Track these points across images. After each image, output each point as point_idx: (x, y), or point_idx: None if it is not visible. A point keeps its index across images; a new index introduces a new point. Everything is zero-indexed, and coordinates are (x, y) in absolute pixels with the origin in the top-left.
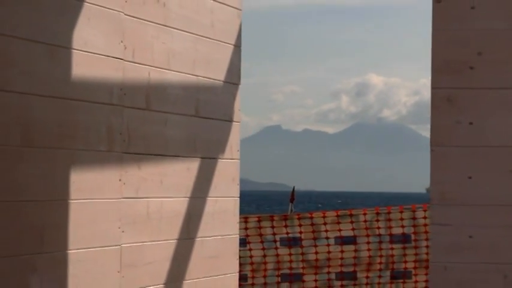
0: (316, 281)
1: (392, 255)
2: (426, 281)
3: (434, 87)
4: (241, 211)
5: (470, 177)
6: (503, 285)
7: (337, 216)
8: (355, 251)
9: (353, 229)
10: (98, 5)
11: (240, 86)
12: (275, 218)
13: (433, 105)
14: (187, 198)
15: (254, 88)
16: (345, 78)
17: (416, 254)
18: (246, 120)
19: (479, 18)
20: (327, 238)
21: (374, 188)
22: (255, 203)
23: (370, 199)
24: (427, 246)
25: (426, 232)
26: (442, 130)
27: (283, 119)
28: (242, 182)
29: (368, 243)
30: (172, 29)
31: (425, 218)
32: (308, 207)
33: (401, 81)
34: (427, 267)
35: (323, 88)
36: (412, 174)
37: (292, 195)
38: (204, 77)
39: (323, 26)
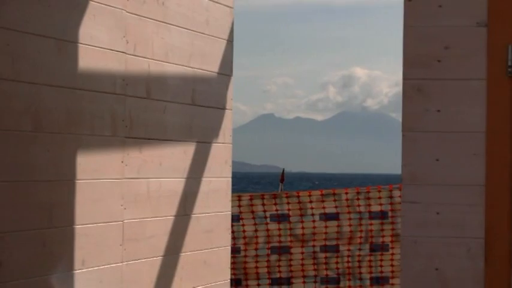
0: (302, 253)
1: (371, 230)
2: (400, 254)
3: (405, 78)
4: (237, 190)
5: (437, 160)
6: (466, 257)
7: (322, 195)
8: (338, 226)
9: (336, 206)
10: (102, 3)
11: (232, 77)
12: (265, 196)
13: (405, 94)
14: (184, 179)
15: (249, 80)
16: (332, 71)
17: (393, 229)
18: (242, 109)
19: (446, 15)
20: (312, 215)
21: (360, 170)
22: (250, 183)
23: (357, 180)
24: (400, 223)
25: (400, 209)
26: (413, 117)
27: (276, 108)
28: (238, 164)
29: (349, 219)
30: (171, 26)
31: (400, 196)
32: (305, 186)
33: (383, 74)
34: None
35: (312, 80)
36: (393, 158)
37: (282, 176)
38: (199, 69)
39: (312, 24)
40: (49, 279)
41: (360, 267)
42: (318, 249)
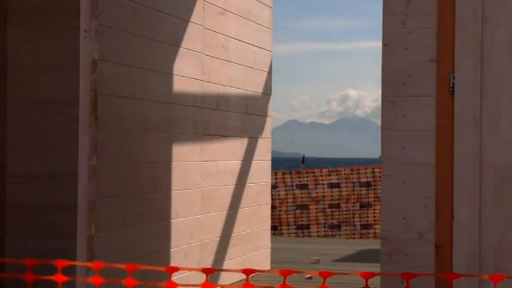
0: (316, 209)
1: (360, 194)
2: (380, 209)
3: (383, 95)
4: (274, 168)
5: (404, 148)
6: (423, 211)
7: (329, 171)
8: (339, 191)
9: (337, 178)
10: (188, 49)
11: (271, 96)
12: (292, 172)
13: (383, 106)
14: (240, 161)
15: (282, 98)
16: (334, 92)
17: (374, 194)
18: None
19: (409, 55)
20: (323, 184)
21: (352, 155)
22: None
23: (351, 161)
24: (380, 189)
25: (380, 180)
26: (388, 120)
27: (298, 115)
28: (274, 152)
29: (346, 187)
30: (231, 63)
31: (380, 171)
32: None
33: (367, 93)
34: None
35: (321, 97)
36: (374, 149)
37: (303, 159)
38: (250, 90)
39: (321, 61)
40: (153, 227)
41: (353, 217)
42: (326, 206)
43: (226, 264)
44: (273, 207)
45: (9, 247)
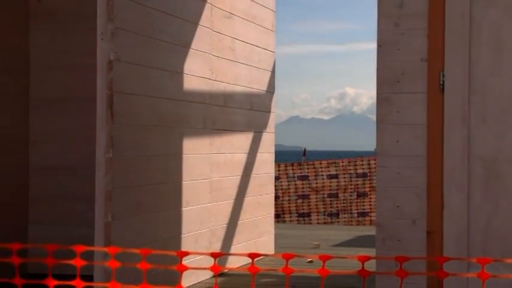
0: (316, 198)
1: (357, 184)
2: (375, 198)
3: (378, 93)
4: (277, 161)
5: (397, 141)
6: (416, 199)
7: (328, 163)
8: (337, 182)
9: (336, 170)
10: (197, 50)
11: (274, 93)
12: (294, 164)
13: (378, 102)
14: (246, 154)
15: (284, 95)
16: (333, 90)
17: (370, 184)
18: (280, 112)
19: (402, 55)
20: (322, 175)
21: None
22: (285, 156)
23: (348, 154)
24: (375, 179)
25: (375, 171)
26: (383, 116)
27: (300, 112)
28: (277, 145)
29: (344, 177)
30: (238, 63)
31: (375, 163)
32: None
33: (363, 91)
34: (375, 191)
35: (321, 95)
36: (370, 142)
37: (304, 152)
38: (255, 88)
39: (321, 62)
40: (163, 215)
41: (350, 206)
42: (325, 195)
43: (233, 249)
44: (276, 197)
45: (32, 234)
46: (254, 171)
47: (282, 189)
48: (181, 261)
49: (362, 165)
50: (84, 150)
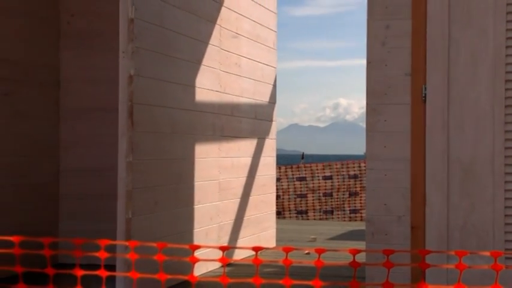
0: (313, 197)
1: (349, 184)
2: (365, 197)
3: (368, 103)
4: (278, 163)
5: (385, 146)
6: (401, 198)
7: (323, 165)
8: (332, 182)
9: (330, 172)
10: (207, 66)
11: (276, 104)
12: (293, 166)
13: (367, 112)
14: (251, 157)
15: (285, 105)
16: (328, 100)
17: (361, 184)
18: (281, 120)
19: (388, 70)
20: (318, 176)
21: (342, 152)
22: (285, 160)
23: (341, 157)
24: (365, 180)
25: (365, 173)
26: (371, 124)
27: (299, 120)
28: (279, 150)
29: (338, 178)
30: (243, 77)
31: (365, 166)
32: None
33: (355, 102)
34: (365, 190)
35: (318, 105)
36: (361, 147)
37: (303, 156)
38: (258, 99)
39: (316, 75)
40: (179, 212)
41: (343, 204)
42: (321, 195)
43: (240, 243)
44: (277, 196)
45: (61, 229)
46: (258, 173)
47: (282, 189)
48: (193, 253)
49: (353, 167)
50: (108, 155)
